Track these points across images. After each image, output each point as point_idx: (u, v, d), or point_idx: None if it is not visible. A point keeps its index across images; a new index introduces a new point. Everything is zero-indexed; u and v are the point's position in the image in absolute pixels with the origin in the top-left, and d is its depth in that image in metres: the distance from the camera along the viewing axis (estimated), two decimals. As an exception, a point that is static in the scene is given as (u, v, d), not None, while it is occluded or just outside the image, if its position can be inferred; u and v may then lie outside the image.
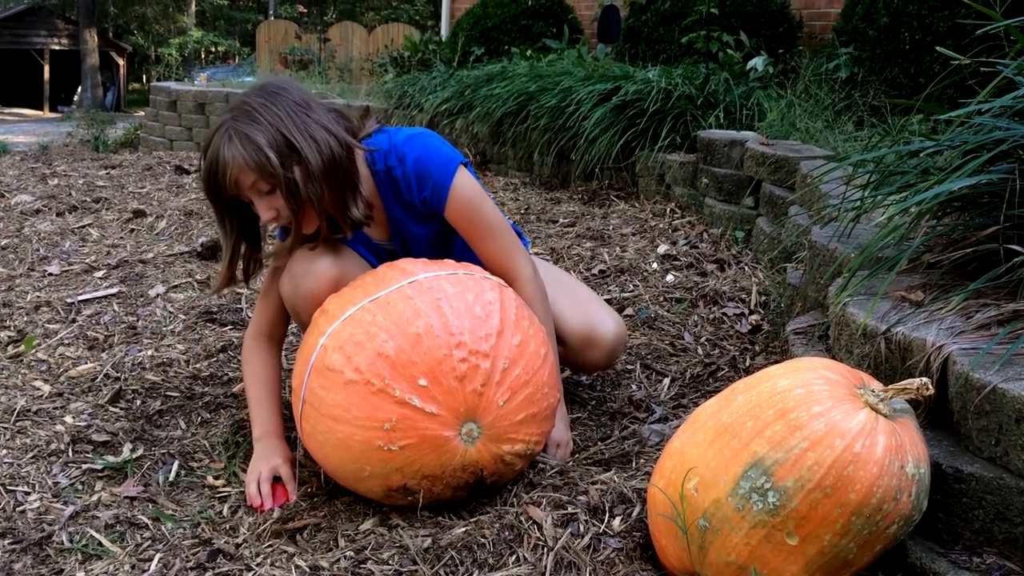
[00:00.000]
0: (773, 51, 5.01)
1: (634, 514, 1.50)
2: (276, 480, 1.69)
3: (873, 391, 1.23)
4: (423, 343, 1.46)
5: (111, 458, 1.78)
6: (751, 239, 3.20)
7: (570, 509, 1.52)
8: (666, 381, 2.14)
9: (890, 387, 1.23)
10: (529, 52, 6.12)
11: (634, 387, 2.11)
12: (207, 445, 1.85)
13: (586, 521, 1.48)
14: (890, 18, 3.97)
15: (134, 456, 1.79)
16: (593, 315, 1.89)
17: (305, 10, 30.48)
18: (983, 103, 1.64)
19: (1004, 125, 1.56)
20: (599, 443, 1.84)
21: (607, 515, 1.51)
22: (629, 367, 2.21)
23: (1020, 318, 1.35)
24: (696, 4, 5.19)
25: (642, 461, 1.73)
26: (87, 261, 3.12)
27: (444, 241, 1.85)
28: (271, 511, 1.61)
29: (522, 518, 1.50)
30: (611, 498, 1.55)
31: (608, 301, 2.65)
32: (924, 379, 1.21)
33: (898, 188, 1.70)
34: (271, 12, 26.79)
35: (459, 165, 1.73)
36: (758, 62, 4.46)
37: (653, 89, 4.04)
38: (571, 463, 1.72)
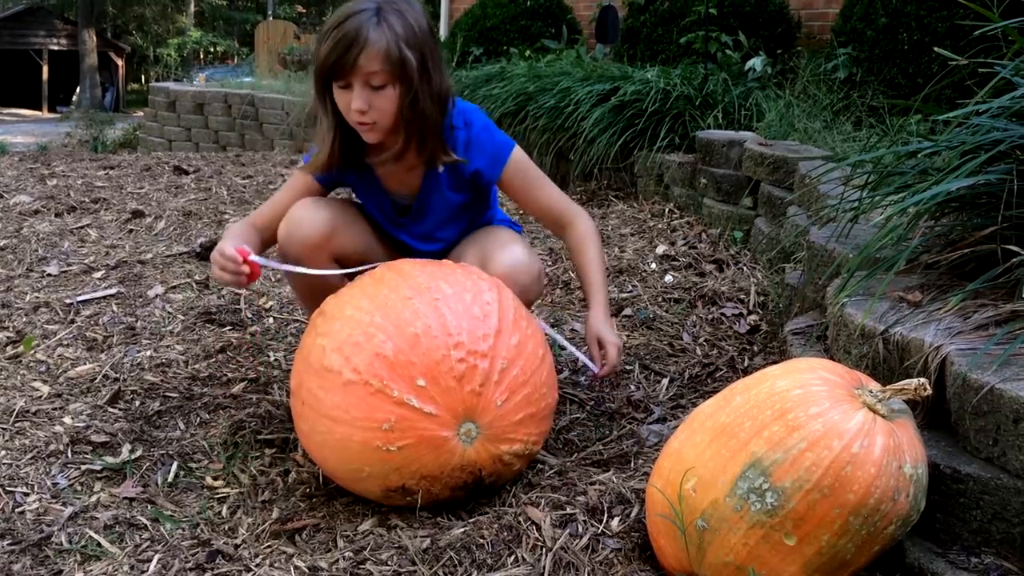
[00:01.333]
0: (771, 51, 5.01)
1: (632, 515, 1.51)
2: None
3: (871, 392, 1.23)
4: (421, 343, 1.46)
5: (110, 459, 1.78)
6: (750, 239, 3.20)
7: (568, 510, 1.52)
8: (664, 381, 2.14)
9: (888, 387, 1.23)
10: (528, 52, 6.12)
11: (632, 387, 2.11)
12: (206, 446, 1.85)
13: (585, 522, 1.48)
14: (888, 19, 3.97)
15: (133, 457, 1.79)
16: (489, 255, 1.82)
17: (304, 10, 30.49)
18: (981, 104, 1.64)
19: (1002, 126, 1.56)
20: (597, 443, 1.84)
21: (605, 516, 1.51)
22: (628, 367, 2.21)
23: (1018, 318, 1.35)
24: (694, 4, 5.19)
25: (640, 461, 1.73)
26: (86, 262, 3.12)
27: (462, 214, 1.93)
28: (270, 513, 1.61)
29: (520, 518, 1.50)
30: (610, 499, 1.55)
31: (607, 301, 2.65)
32: (922, 379, 1.21)
33: (896, 189, 1.70)
34: (270, 12, 26.81)
35: (512, 142, 1.87)
36: (756, 62, 4.46)
37: (652, 89, 4.05)
38: (570, 462, 1.73)
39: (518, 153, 1.86)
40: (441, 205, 1.89)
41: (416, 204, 1.89)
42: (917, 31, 3.85)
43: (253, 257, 1.67)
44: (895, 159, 1.78)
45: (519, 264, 1.79)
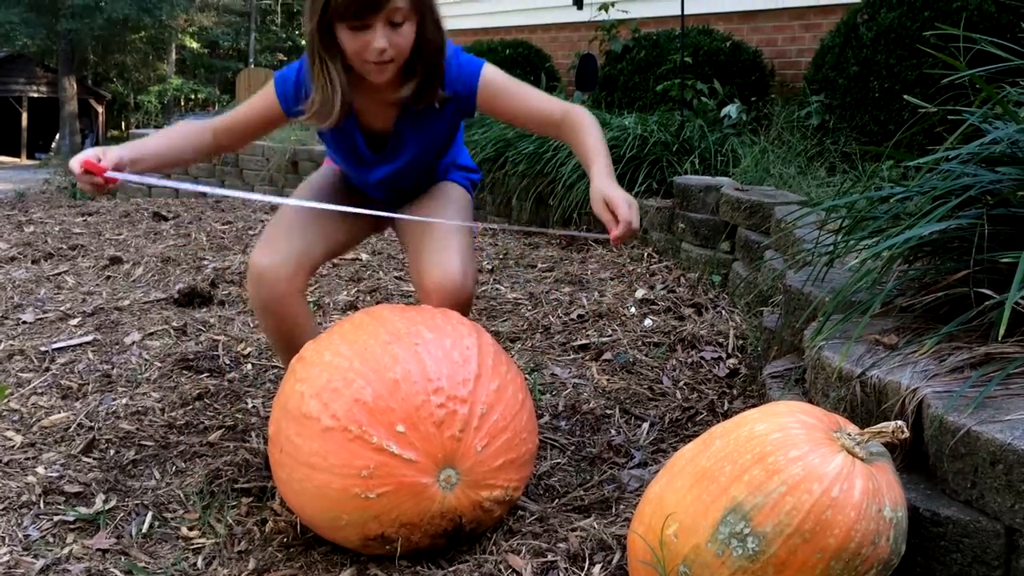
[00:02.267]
0: (746, 99, 5.10)
1: (614, 561, 1.49)
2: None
3: (849, 434, 1.24)
4: (401, 389, 1.46)
5: (83, 509, 1.75)
6: (727, 283, 3.22)
7: (550, 557, 1.51)
8: (645, 426, 2.14)
9: (866, 430, 1.24)
10: (507, 99, 6.18)
11: (613, 432, 2.11)
12: (181, 495, 1.82)
13: (566, 569, 1.47)
14: (859, 67, 4.06)
15: (107, 507, 1.76)
16: (423, 260, 1.81)
17: (285, 58, 30.73)
18: (951, 150, 1.67)
19: (971, 171, 1.59)
20: (578, 489, 1.83)
21: (587, 563, 1.49)
22: (608, 412, 2.21)
23: (992, 361, 1.37)
24: (670, 53, 5.28)
25: (622, 507, 1.72)
26: (62, 309, 3.09)
27: (434, 149, 1.93)
28: (246, 564, 1.58)
29: (501, 567, 1.48)
30: (591, 545, 1.54)
31: (586, 346, 2.66)
32: (899, 422, 1.21)
33: (870, 233, 1.73)
34: (251, 60, 27.00)
35: (485, 63, 1.80)
36: (732, 109, 4.54)
37: (629, 136, 4.10)
38: (551, 508, 1.71)
39: (489, 69, 1.81)
40: (417, 137, 1.86)
41: (391, 139, 1.86)
42: (887, 79, 3.93)
43: (110, 173, 1.62)
44: (868, 204, 1.81)
45: (448, 279, 1.75)
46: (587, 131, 1.76)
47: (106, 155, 1.63)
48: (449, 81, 1.78)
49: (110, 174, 1.62)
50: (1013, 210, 1.51)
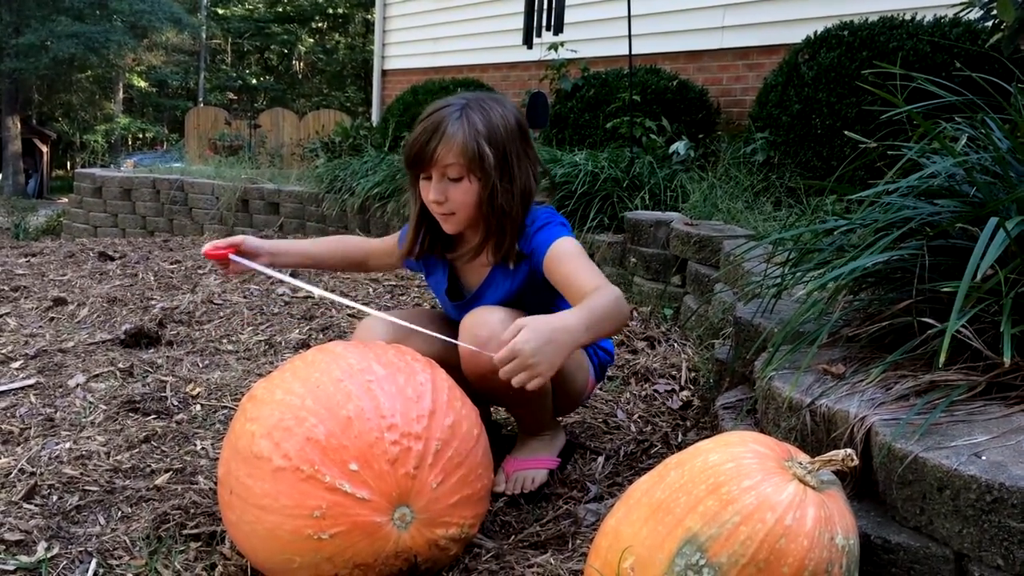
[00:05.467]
0: (694, 136, 5.20)
1: (571, 597, 1.48)
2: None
3: (801, 463, 1.25)
4: (354, 426, 1.44)
5: (24, 558, 1.69)
6: (679, 316, 3.26)
7: (506, 594, 1.49)
8: (600, 459, 2.14)
9: (817, 459, 1.25)
10: (459, 137, 6.22)
11: (568, 466, 2.10)
12: (127, 541, 1.77)
13: (523, 606, 1.46)
14: (802, 105, 4.17)
15: (49, 555, 1.70)
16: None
17: (236, 97, 30.60)
18: (891, 183, 1.72)
19: (911, 204, 1.64)
20: (535, 524, 1.82)
21: (544, 599, 1.48)
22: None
23: (936, 388, 1.40)
24: (619, 91, 5.38)
25: (578, 541, 1.72)
26: (3, 352, 3.01)
27: (517, 302, 1.91)
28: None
29: (458, 605, 1.46)
30: (548, 581, 1.53)
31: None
32: (849, 450, 1.23)
33: (816, 265, 1.76)
34: (200, 99, 26.83)
35: (568, 234, 1.84)
36: (680, 146, 4.63)
37: (581, 172, 4.15)
38: (507, 544, 1.70)
39: (563, 241, 1.78)
40: (493, 295, 1.92)
41: (472, 293, 1.95)
42: (829, 116, 4.05)
43: (233, 257, 1.90)
44: (813, 237, 1.85)
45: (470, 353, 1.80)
46: (595, 296, 1.63)
47: (244, 243, 1.92)
48: (526, 245, 1.85)
49: (233, 257, 1.90)
50: (952, 241, 1.56)
